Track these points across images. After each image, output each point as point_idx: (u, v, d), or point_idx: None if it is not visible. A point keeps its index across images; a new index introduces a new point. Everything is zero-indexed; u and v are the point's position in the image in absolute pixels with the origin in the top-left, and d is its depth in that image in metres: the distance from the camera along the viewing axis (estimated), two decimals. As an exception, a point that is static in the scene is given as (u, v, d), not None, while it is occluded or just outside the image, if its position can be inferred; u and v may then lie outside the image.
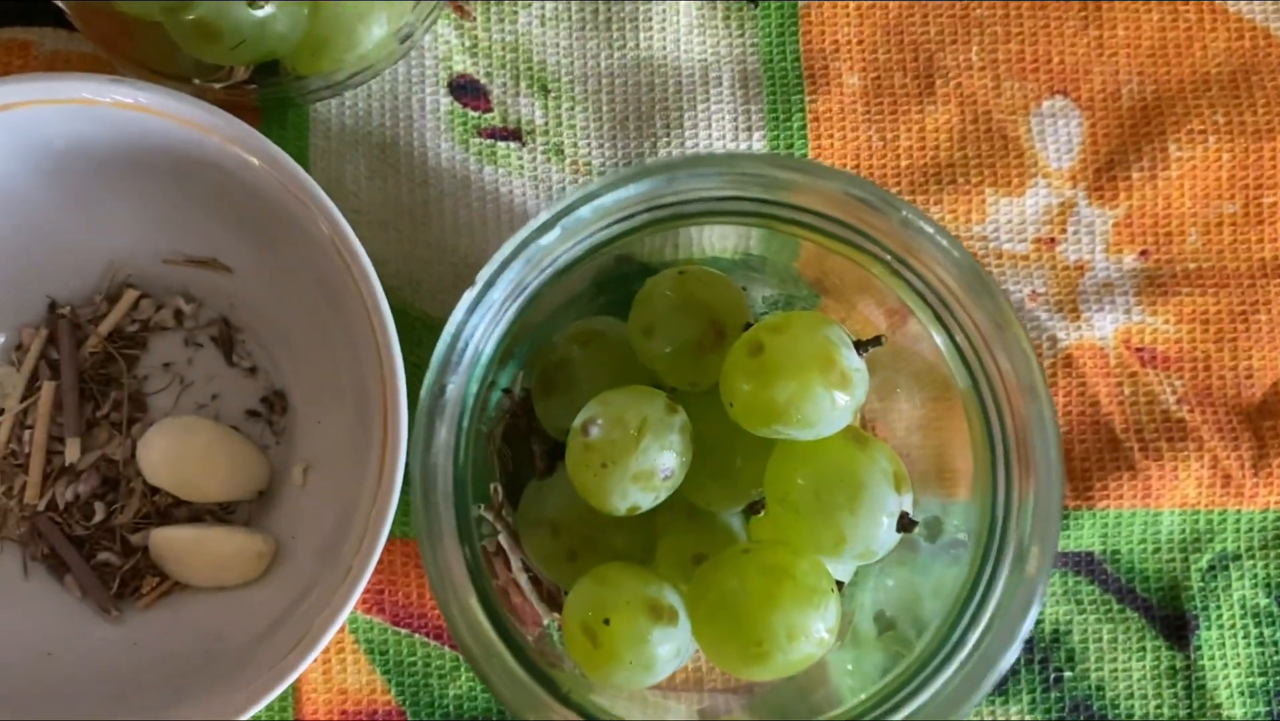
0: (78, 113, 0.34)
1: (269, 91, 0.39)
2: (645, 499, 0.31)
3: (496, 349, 0.27)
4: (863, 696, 0.30)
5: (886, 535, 0.31)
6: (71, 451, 0.39)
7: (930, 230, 0.26)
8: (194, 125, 0.34)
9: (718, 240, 0.35)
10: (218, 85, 0.38)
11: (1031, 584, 0.26)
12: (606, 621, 0.31)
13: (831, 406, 0.30)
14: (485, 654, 0.26)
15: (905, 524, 0.31)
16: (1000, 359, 0.27)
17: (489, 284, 0.26)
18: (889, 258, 0.27)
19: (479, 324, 0.26)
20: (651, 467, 0.31)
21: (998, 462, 0.27)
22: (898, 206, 0.27)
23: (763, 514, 0.33)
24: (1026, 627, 0.26)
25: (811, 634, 0.31)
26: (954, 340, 0.28)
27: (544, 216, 0.26)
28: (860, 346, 0.31)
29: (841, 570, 0.34)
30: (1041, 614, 0.41)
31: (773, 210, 0.28)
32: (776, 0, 0.43)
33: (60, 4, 0.38)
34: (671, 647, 0.32)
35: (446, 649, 0.40)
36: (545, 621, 0.36)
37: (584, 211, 0.27)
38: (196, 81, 0.38)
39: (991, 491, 0.27)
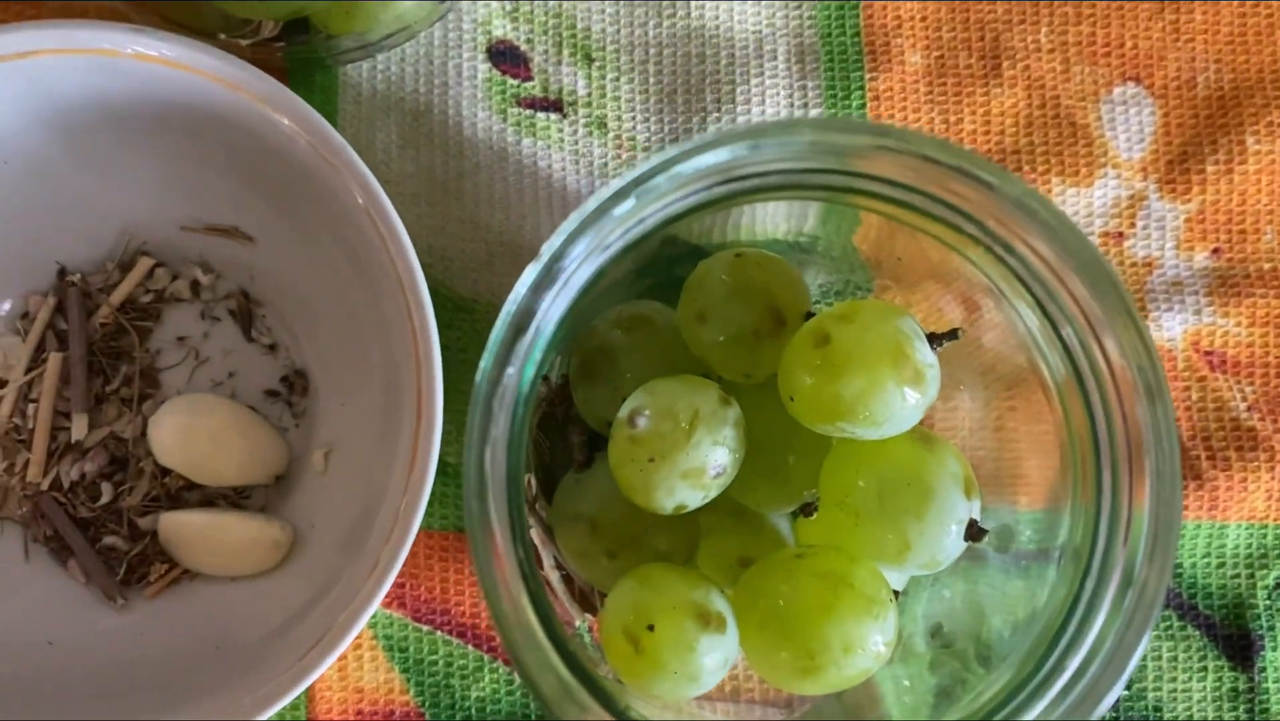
0: (96, 64, 0.32)
1: (297, 51, 0.38)
2: (694, 497, 0.30)
3: (558, 329, 0.25)
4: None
5: (954, 544, 0.30)
6: (78, 428, 0.38)
7: (1046, 212, 0.24)
8: (221, 81, 0.32)
9: (770, 221, 0.33)
10: (244, 42, 0.36)
11: (1147, 609, 0.24)
12: (651, 627, 0.30)
13: (902, 404, 0.29)
14: (537, 662, 0.24)
15: (974, 532, 0.30)
16: (1113, 355, 0.24)
17: (556, 257, 0.24)
18: (990, 240, 0.25)
19: (543, 302, 0.24)
20: (702, 464, 0.29)
21: (1104, 470, 0.25)
22: (1007, 181, 0.24)
23: (814, 516, 0.31)
24: (1136, 659, 0.24)
25: (868, 647, 0.30)
26: (1059, 333, 0.25)
27: (617, 184, 0.24)
28: (934, 339, 0.29)
29: (896, 578, 0.33)
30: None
31: (861, 184, 0.26)
32: (835, -28, 0.41)
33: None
34: (719, 656, 0.30)
35: (470, 648, 0.39)
36: (578, 623, 0.35)
37: (661, 180, 0.25)
38: (222, 37, 0.36)
39: (1096, 503, 0.25)
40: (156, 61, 0.32)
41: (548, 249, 0.24)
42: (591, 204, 0.24)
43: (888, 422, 0.29)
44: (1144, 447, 0.24)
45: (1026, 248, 0.24)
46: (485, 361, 0.24)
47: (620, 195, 0.24)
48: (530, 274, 0.24)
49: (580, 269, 0.24)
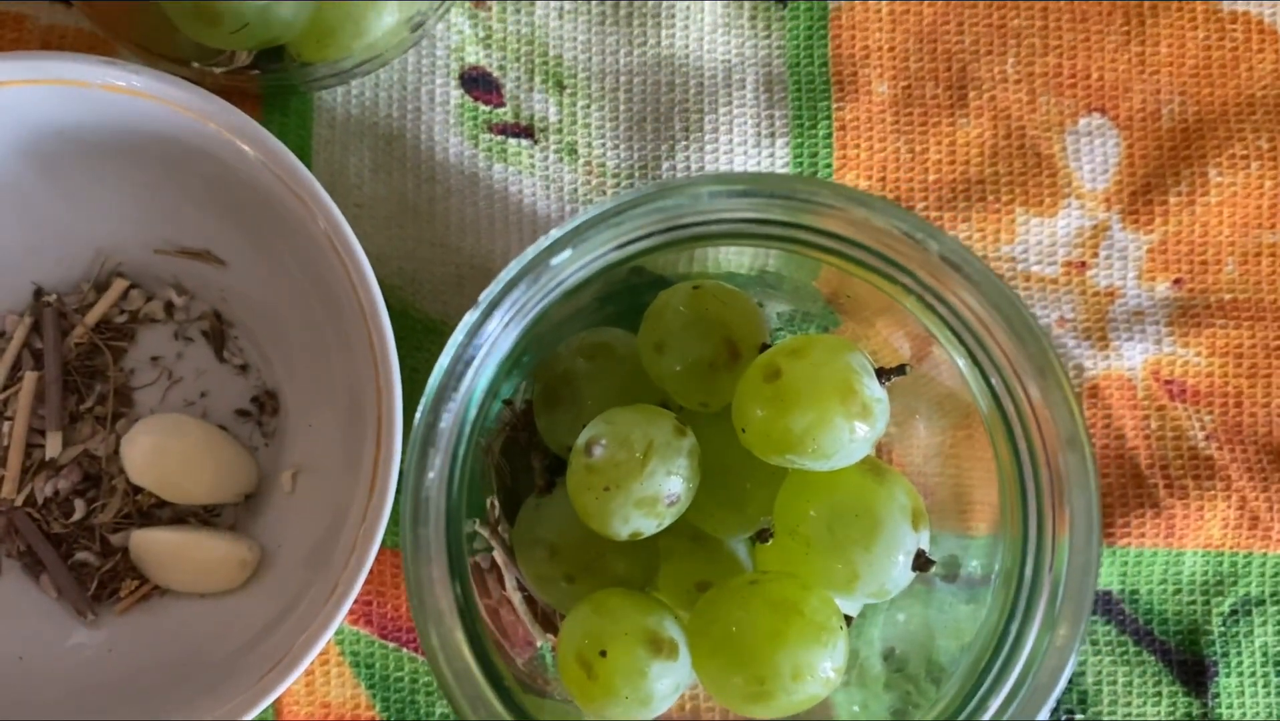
0: (68, 94, 0.33)
1: (272, 78, 0.38)
2: (648, 525, 0.30)
3: (497, 374, 0.25)
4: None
5: (901, 574, 0.30)
6: (52, 445, 0.38)
7: (971, 268, 0.25)
8: (189, 112, 0.33)
9: (734, 255, 0.34)
10: (218, 70, 0.36)
11: (1064, 649, 0.24)
12: (603, 653, 0.30)
13: (850, 438, 0.29)
14: (471, 700, 0.25)
15: (921, 563, 0.30)
16: (1039, 405, 0.25)
17: (493, 305, 0.25)
18: (922, 290, 0.26)
19: (480, 348, 0.25)
20: (656, 493, 0.30)
21: (1029, 509, 0.25)
22: (936, 239, 0.25)
23: (770, 543, 0.31)
24: (1062, 683, 0.25)
25: (818, 673, 0.30)
26: (988, 381, 0.26)
27: (555, 234, 0.25)
28: (882, 375, 0.30)
29: (849, 605, 0.33)
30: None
31: (800, 234, 0.26)
32: (806, 1, 0.41)
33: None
34: (670, 682, 0.31)
35: (435, 665, 0.39)
36: (539, 643, 0.35)
37: (598, 231, 0.25)
38: (196, 65, 0.36)
39: (1023, 536, 0.26)
40: (126, 92, 0.32)
41: (485, 296, 0.24)
42: (529, 254, 0.24)
43: (836, 455, 0.29)
44: (1065, 495, 0.24)
45: (957, 299, 0.25)
46: (424, 403, 0.24)
47: (557, 246, 0.24)
48: (468, 320, 0.24)
49: (519, 314, 0.25)
